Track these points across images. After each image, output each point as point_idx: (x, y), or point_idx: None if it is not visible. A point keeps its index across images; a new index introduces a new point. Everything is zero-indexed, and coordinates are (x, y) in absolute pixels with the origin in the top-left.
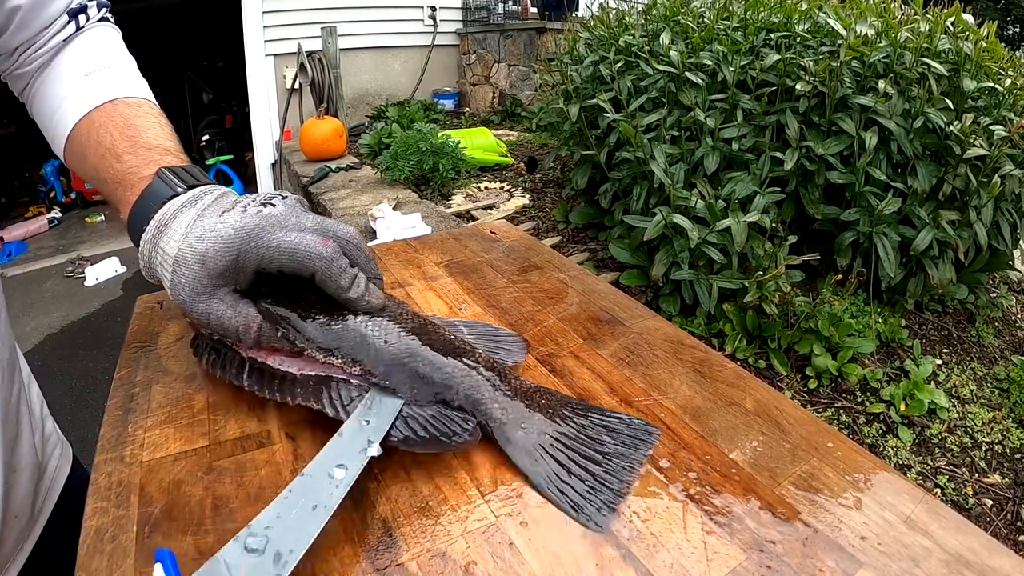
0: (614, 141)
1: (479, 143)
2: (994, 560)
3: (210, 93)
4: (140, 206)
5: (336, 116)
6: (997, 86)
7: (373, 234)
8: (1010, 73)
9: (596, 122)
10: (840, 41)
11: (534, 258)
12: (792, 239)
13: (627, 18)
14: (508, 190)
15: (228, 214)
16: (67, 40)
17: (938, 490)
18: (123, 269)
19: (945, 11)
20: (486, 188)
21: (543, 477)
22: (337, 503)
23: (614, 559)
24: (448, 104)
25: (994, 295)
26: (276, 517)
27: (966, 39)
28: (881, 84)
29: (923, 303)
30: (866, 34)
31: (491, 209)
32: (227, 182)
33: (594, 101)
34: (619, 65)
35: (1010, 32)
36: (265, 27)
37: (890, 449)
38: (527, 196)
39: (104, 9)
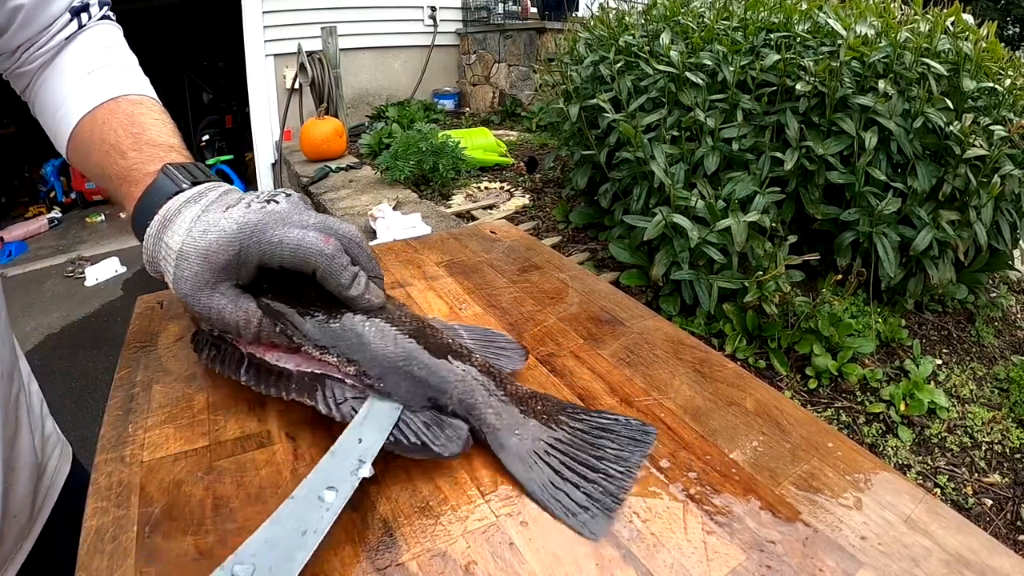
0: (614, 141)
1: (479, 143)
2: (994, 560)
3: (210, 93)
4: (145, 201)
5: (336, 116)
6: (997, 86)
7: (373, 234)
8: (1010, 73)
9: (596, 122)
10: (840, 41)
11: (534, 258)
12: (792, 239)
13: (627, 18)
14: (508, 190)
15: (232, 210)
16: (69, 38)
17: (938, 490)
18: (123, 269)
19: (945, 11)
20: (486, 188)
21: (537, 484)
22: (327, 528)
23: (614, 559)
24: (448, 104)
25: (994, 295)
26: (264, 543)
27: (966, 39)
28: (881, 84)
29: (923, 303)
30: (866, 34)
31: (491, 209)
32: (227, 182)
33: (594, 101)
34: (619, 65)
35: (1010, 32)
36: (265, 27)
37: (890, 449)
38: (527, 196)
39: (106, 7)
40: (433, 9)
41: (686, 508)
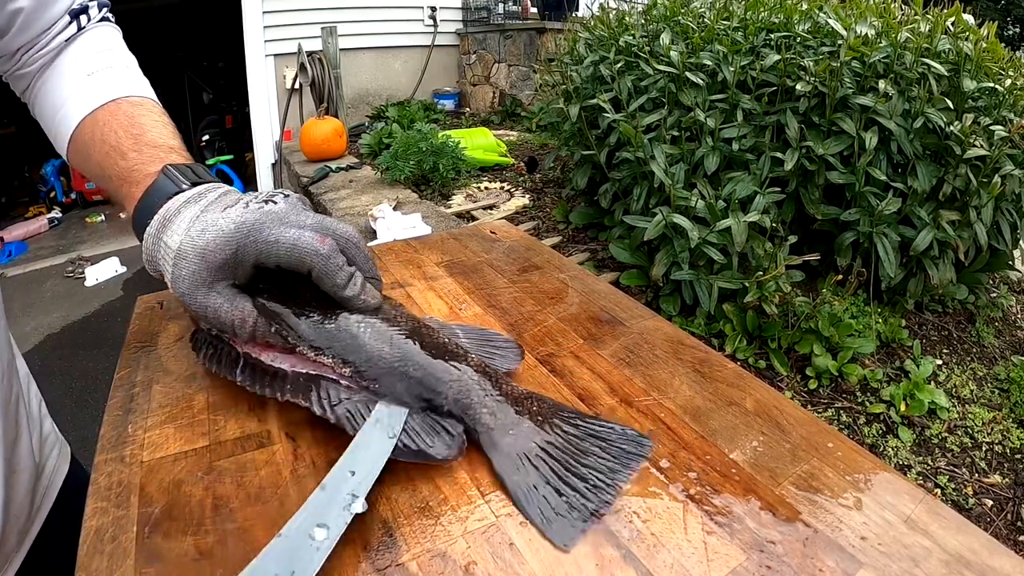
0: (614, 141)
1: (479, 143)
2: (994, 560)
3: (210, 93)
4: (145, 202)
5: (336, 116)
6: (997, 86)
7: (373, 234)
8: (1010, 73)
9: (596, 122)
10: (840, 41)
11: (534, 258)
12: (792, 239)
13: (627, 18)
14: (508, 190)
15: (230, 210)
16: (69, 40)
17: (938, 490)
18: (123, 269)
19: (945, 11)
20: (486, 188)
21: (521, 487)
22: (318, 568)
23: (614, 559)
24: (448, 104)
25: (994, 295)
26: None
27: (966, 39)
28: (881, 84)
29: (923, 303)
30: (866, 34)
31: (491, 209)
32: (227, 182)
33: (594, 101)
34: (619, 65)
35: (1010, 32)
36: (265, 27)
37: (890, 449)
38: (527, 196)
39: (105, 9)
40: (433, 9)
41: (686, 508)
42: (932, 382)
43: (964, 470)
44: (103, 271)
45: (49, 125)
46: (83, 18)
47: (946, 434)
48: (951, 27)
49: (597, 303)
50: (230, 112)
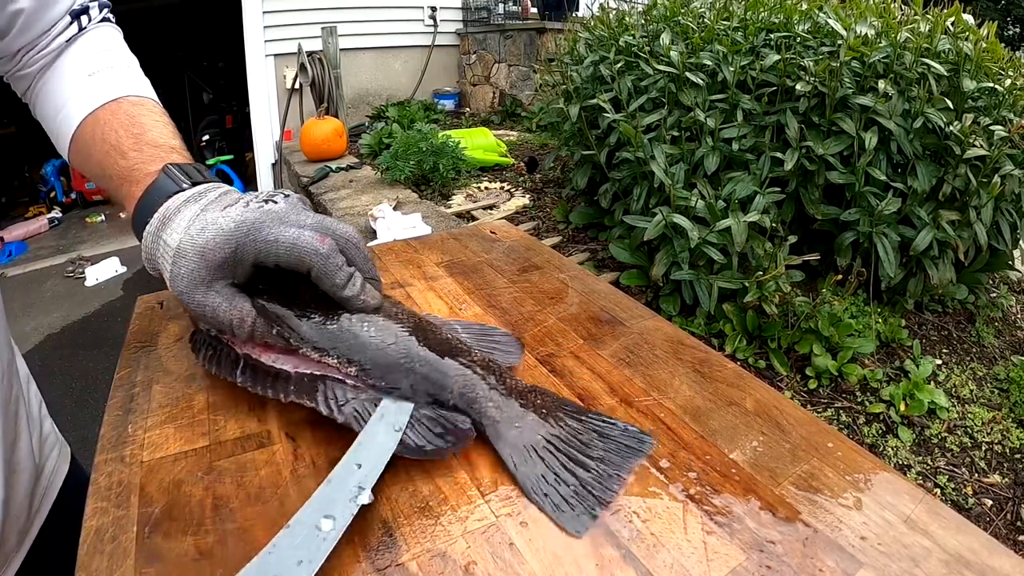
0: (614, 141)
1: (479, 143)
2: (994, 560)
3: (210, 93)
4: (145, 201)
5: (336, 116)
6: (997, 86)
7: (373, 234)
8: (1010, 73)
9: (596, 122)
10: (840, 41)
11: (534, 258)
12: (792, 239)
13: (627, 18)
14: (508, 190)
15: (230, 209)
16: (69, 41)
17: (938, 490)
18: (123, 269)
19: (945, 11)
20: (486, 188)
21: (531, 478)
22: (324, 557)
23: (614, 559)
24: (448, 104)
25: (994, 295)
26: (260, 573)
27: (966, 39)
28: (881, 84)
29: (923, 303)
30: (866, 34)
31: (491, 209)
32: (227, 182)
33: (594, 101)
34: (619, 65)
35: (1010, 32)
36: (265, 27)
37: (890, 449)
38: (527, 196)
39: (106, 10)
40: (433, 9)
41: (686, 508)
42: (932, 382)
43: (964, 470)
44: (103, 271)
45: (50, 125)
46: (84, 19)
47: (946, 434)
48: (951, 27)
49: (597, 303)
50: (230, 112)
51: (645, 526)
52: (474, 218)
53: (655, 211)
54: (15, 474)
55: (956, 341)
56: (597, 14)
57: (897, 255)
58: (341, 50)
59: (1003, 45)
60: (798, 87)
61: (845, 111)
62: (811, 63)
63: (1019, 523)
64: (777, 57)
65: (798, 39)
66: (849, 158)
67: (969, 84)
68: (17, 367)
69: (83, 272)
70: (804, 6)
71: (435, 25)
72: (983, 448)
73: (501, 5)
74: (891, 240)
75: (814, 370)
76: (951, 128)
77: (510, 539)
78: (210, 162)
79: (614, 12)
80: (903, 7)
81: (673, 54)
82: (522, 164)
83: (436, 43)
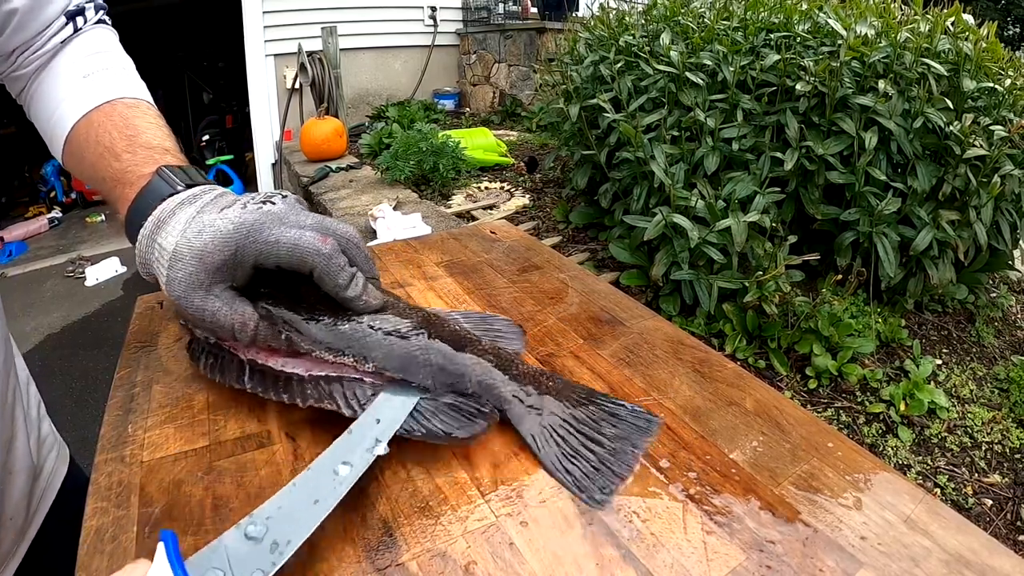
0: (614, 141)
1: (479, 143)
2: (994, 560)
3: (210, 93)
4: (139, 203)
5: (336, 116)
6: (997, 86)
7: (373, 234)
8: (1010, 73)
9: (596, 122)
10: (840, 41)
11: (534, 258)
12: (792, 239)
13: (627, 18)
14: (508, 190)
15: (227, 211)
16: (65, 42)
17: (938, 490)
18: (123, 269)
19: (945, 11)
20: (486, 188)
21: (553, 456)
22: (338, 499)
23: (614, 559)
24: (448, 104)
25: (994, 295)
26: (278, 508)
27: (966, 39)
28: (881, 84)
29: (923, 303)
30: (866, 34)
31: (491, 209)
32: (227, 182)
33: (594, 101)
34: (619, 65)
35: (1010, 32)
36: (265, 27)
37: (890, 449)
38: (527, 196)
39: (101, 11)
40: (433, 9)
41: (686, 508)
42: (932, 382)
43: (964, 470)
44: (103, 271)
45: (45, 127)
46: (79, 20)
47: (946, 434)
48: (951, 27)
49: (597, 303)
50: (230, 112)
51: (645, 526)
52: (474, 218)
53: (655, 211)
54: (11, 475)
55: (956, 341)
56: (597, 14)
57: (897, 255)
58: (341, 50)
59: (1003, 45)
60: (798, 87)
61: (845, 111)
62: (811, 63)
63: (1019, 523)
64: (777, 57)
65: (798, 39)
66: (849, 158)
67: (969, 84)
68: (16, 368)
69: (83, 272)
70: (804, 6)
71: (435, 25)
72: (983, 448)
73: (501, 5)
74: (891, 240)
75: (814, 370)
76: (951, 128)
77: (510, 539)
78: (210, 162)
79: (614, 12)
80: (903, 7)
81: (673, 54)
82: (522, 164)
83: (436, 43)
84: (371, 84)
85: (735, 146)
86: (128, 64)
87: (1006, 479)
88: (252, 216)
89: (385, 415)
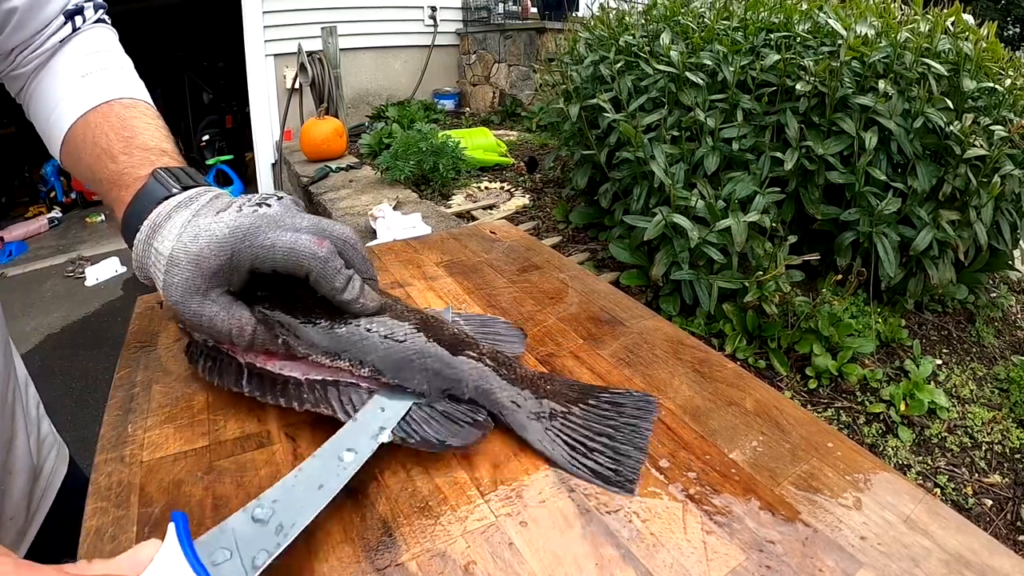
0: (614, 141)
1: (479, 143)
2: (994, 560)
3: (210, 93)
4: (135, 206)
5: (336, 116)
6: (997, 86)
7: (373, 234)
8: (1010, 73)
9: (596, 122)
10: (840, 41)
11: (534, 258)
12: (792, 239)
13: (627, 18)
14: (508, 190)
15: (223, 214)
16: (63, 41)
17: (938, 490)
18: (123, 269)
19: (945, 11)
20: (486, 188)
21: (567, 457)
22: (342, 484)
23: (614, 559)
24: (448, 104)
25: (994, 295)
26: (284, 492)
27: (966, 39)
28: (881, 84)
29: (923, 303)
30: (866, 34)
31: (491, 209)
32: (227, 182)
33: (594, 101)
34: (619, 65)
35: (1010, 32)
36: (265, 27)
37: (890, 449)
38: (527, 196)
39: (101, 10)
40: (433, 9)
41: (686, 508)
42: (932, 382)
43: (964, 470)
44: (103, 271)
45: (43, 127)
46: (78, 19)
47: (946, 434)
48: (951, 27)
49: (597, 303)
50: (230, 112)
51: (645, 526)
52: (474, 218)
53: (655, 211)
54: (11, 475)
55: (956, 341)
56: (597, 14)
57: (897, 255)
58: (341, 50)
59: (1003, 45)
60: (798, 87)
61: (845, 111)
62: (811, 63)
63: (1019, 523)
64: (777, 57)
65: (798, 39)
66: (849, 158)
67: (969, 84)
68: (15, 368)
69: (83, 272)
70: (804, 6)
71: (435, 25)
72: (983, 448)
73: (501, 5)
74: (891, 240)
75: (814, 370)
76: (951, 128)
77: (510, 539)
78: (210, 162)
79: (614, 12)
80: (903, 7)
81: (673, 54)
82: (522, 164)
83: (436, 43)
84: (371, 84)
85: (735, 146)
86: (127, 63)
87: (1006, 479)
88: (247, 220)
89: (390, 405)
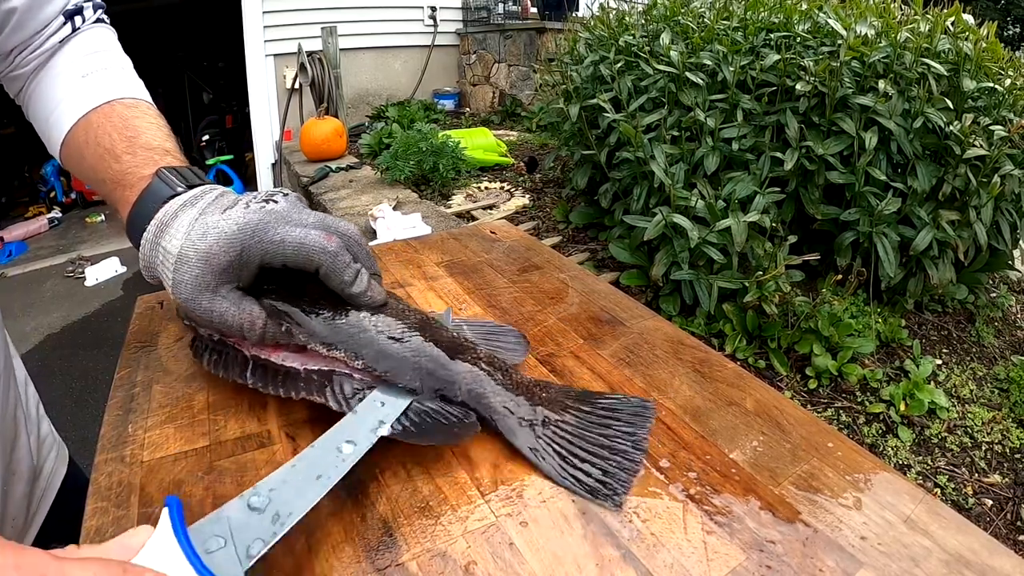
0: (614, 141)
1: (479, 143)
2: (994, 560)
3: (210, 93)
4: (140, 206)
5: (336, 116)
6: (997, 86)
7: (373, 234)
8: (1010, 73)
9: (596, 122)
10: (840, 41)
11: (534, 258)
12: (792, 239)
13: (627, 18)
14: (508, 190)
15: (230, 211)
16: (63, 42)
17: (938, 490)
18: (123, 269)
19: (945, 11)
20: (486, 188)
21: (556, 467)
22: (340, 475)
23: (614, 559)
24: (448, 104)
25: (994, 295)
26: (281, 481)
27: (966, 39)
28: (881, 84)
29: (923, 303)
30: (866, 34)
31: (491, 209)
32: (227, 182)
33: (594, 101)
34: (619, 65)
35: (1010, 32)
36: (265, 27)
37: (890, 449)
38: (527, 196)
39: (100, 10)
40: (433, 9)
41: (686, 508)
42: (932, 382)
43: (964, 470)
44: (103, 271)
45: (43, 127)
46: (78, 19)
47: (946, 434)
48: (951, 27)
49: (597, 303)
50: (230, 112)
51: (645, 526)
52: (474, 218)
53: (655, 211)
54: (14, 476)
55: (956, 341)
56: (597, 14)
57: (897, 255)
58: (341, 50)
59: (1003, 45)
60: (798, 87)
61: (845, 111)
62: (811, 63)
63: (1019, 523)
64: (777, 57)
65: (798, 39)
66: (849, 158)
67: (969, 84)
68: (15, 368)
69: (83, 272)
70: (804, 6)
71: (435, 25)
72: (983, 448)
73: (501, 5)
74: (891, 240)
75: (814, 370)
76: (951, 128)
77: (510, 539)
78: (210, 162)
79: (614, 12)
80: (903, 7)
81: (673, 54)
82: (522, 164)
83: (436, 43)
84: (371, 84)
85: (735, 146)
86: (127, 63)
87: (1006, 479)
88: (256, 216)
89: (390, 400)
